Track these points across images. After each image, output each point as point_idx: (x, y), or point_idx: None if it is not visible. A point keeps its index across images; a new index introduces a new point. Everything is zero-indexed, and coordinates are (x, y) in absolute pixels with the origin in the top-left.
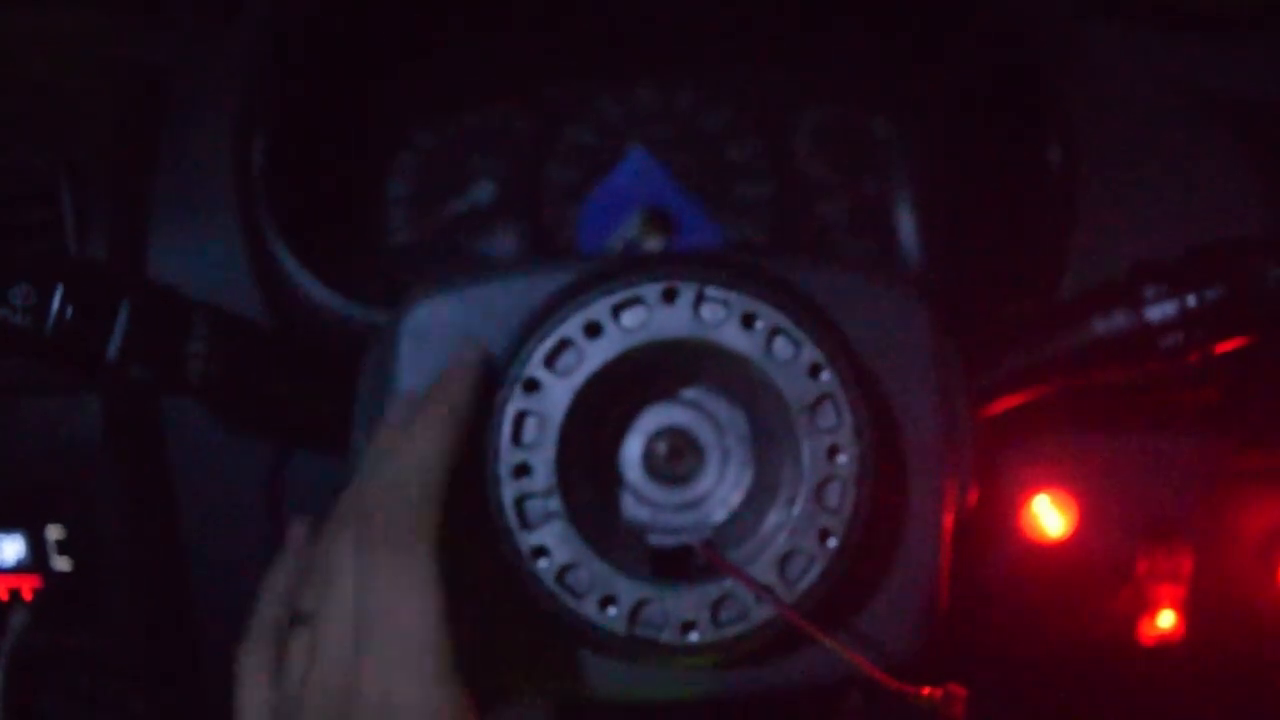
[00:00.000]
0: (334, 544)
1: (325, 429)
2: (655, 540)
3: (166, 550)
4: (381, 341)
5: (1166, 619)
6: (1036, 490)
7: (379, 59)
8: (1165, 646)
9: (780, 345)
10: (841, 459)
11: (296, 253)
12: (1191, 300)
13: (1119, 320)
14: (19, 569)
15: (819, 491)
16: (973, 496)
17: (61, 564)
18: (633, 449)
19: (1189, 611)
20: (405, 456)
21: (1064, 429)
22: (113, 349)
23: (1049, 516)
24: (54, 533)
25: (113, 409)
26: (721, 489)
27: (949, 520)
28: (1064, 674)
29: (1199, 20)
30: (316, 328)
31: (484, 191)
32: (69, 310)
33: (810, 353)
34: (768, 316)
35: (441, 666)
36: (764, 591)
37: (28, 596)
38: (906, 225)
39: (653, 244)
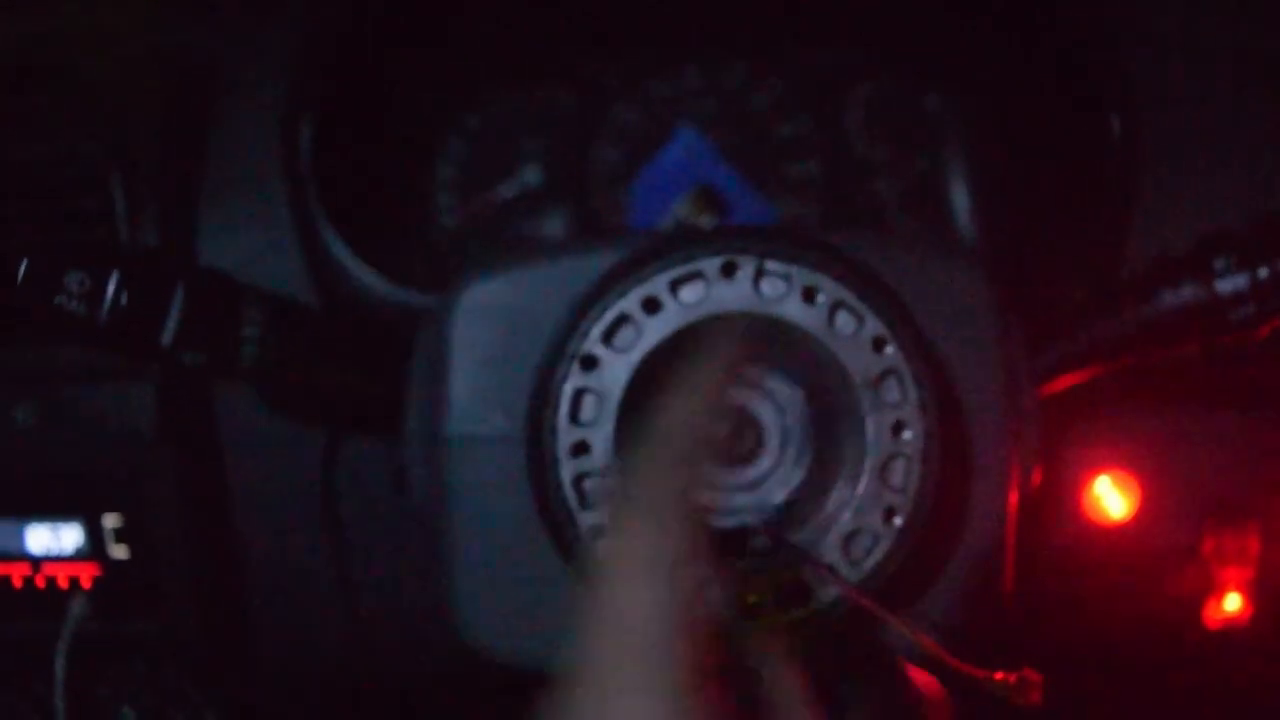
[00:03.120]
0: None
1: (377, 413)
2: (716, 521)
3: (221, 537)
4: (435, 323)
5: (1233, 601)
6: (1098, 471)
7: (425, 42)
8: (1232, 629)
9: (843, 319)
10: (907, 435)
11: (345, 237)
12: (1263, 271)
13: (1188, 293)
14: (77, 557)
15: (884, 469)
16: (1036, 476)
17: (119, 552)
18: None
19: (1256, 594)
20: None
21: (1125, 408)
22: (167, 334)
23: (1111, 498)
24: (111, 521)
25: (167, 397)
26: (782, 469)
27: (1013, 500)
28: (1128, 657)
29: None
30: (366, 312)
31: (532, 174)
32: (124, 297)
33: (874, 326)
34: (830, 290)
35: None
36: (827, 571)
37: (86, 585)
38: (960, 202)
39: (705, 223)
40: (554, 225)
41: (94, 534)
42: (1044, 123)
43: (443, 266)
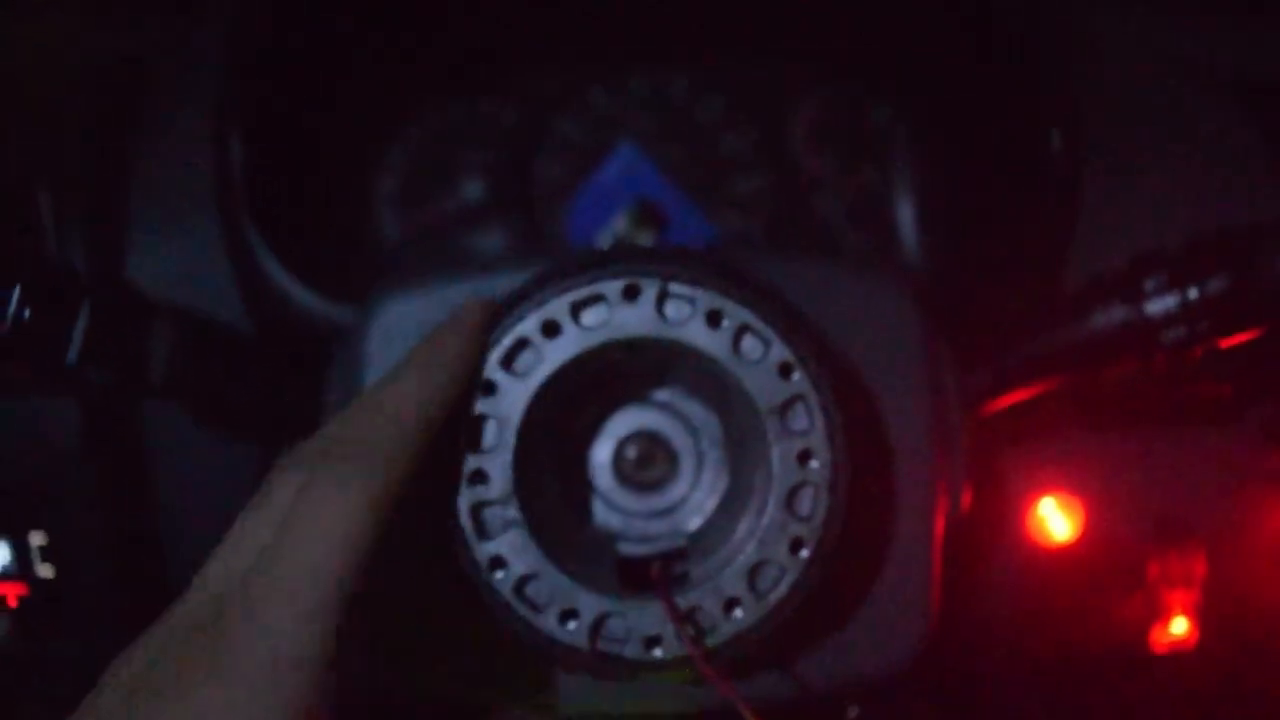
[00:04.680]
0: (286, 467)
1: (301, 429)
2: (625, 550)
3: (149, 554)
4: (349, 340)
5: (1179, 625)
6: (1042, 493)
7: (362, 51)
8: (1178, 654)
9: (748, 344)
10: (814, 464)
11: (278, 253)
12: (1193, 292)
13: (1119, 314)
14: (3, 576)
15: (790, 498)
16: (966, 499)
17: (45, 571)
18: (602, 454)
19: (1203, 617)
20: (385, 396)
21: (1069, 429)
22: (72, 350)
23: (1055, 520)
24: (37, 539)
25: (90, 412)
26: (696, 495)
27: (940, 525)
28: (1074, 682)
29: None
30: (299, 328)
31: (474, 187)
32: (26, 311)
33: (780, 351)
34: (734, 314)
35: (326, 604)
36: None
37: (12, 603)
38: (906, 216)
39: (642, 239)
40: (496, 239)
41: (20, 552)
42: (989, 135)
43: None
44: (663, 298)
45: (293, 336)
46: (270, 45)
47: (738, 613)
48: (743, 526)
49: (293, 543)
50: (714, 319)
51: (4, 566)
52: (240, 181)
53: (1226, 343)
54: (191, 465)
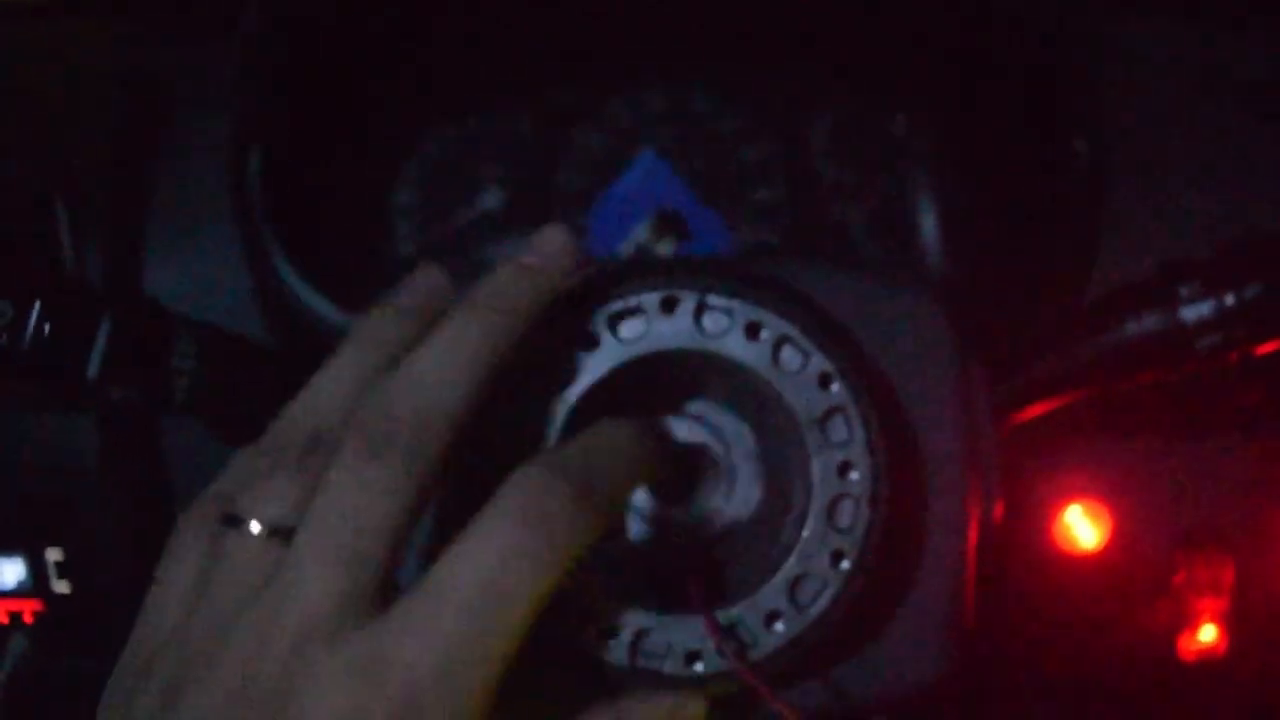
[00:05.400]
0: (341, 448)
1: None
2: (660, 563)
3: None
4: None
5: (1208, 633)
6: (1069, 500)
7: (381, 65)
8: (1207, 661)
9: (787, 355)
10: (854, 475)
11: (297, 266)
12: (1229, 298)
13: (1152, 322)
14: (19, 592)
15: (830, 510)
16: (999, 510)
17: (61, 587)
18: None
19: (1231, 625)
20: (438, 354)
21: (1095, 436)
22: (93, 367)
23: (1082, 527)
24: (53, 555)
25: (108, 428)
26: (730, 508)
27: (973, 535)
28: (1102, 690)
29: (1231, 7)
30: (318, 340)
31: (493, 198)
32: (46, 328)
33: (819, 363)
34: (773, 325)
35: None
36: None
37: (28, 620)
38: (927, 226)
39: (663, 249)
40: (513, 250)
41: (37, 568)
42: (1011, 145)
43: None
44: (701, 310)
45: (311, 348)
46: (288, 61)
47: (779, 625)
48: (782, 539)
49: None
50: (753, 331)
51: (20, 583)
52: (259, 194)
53: (1263, 349)
54: (208, 480)
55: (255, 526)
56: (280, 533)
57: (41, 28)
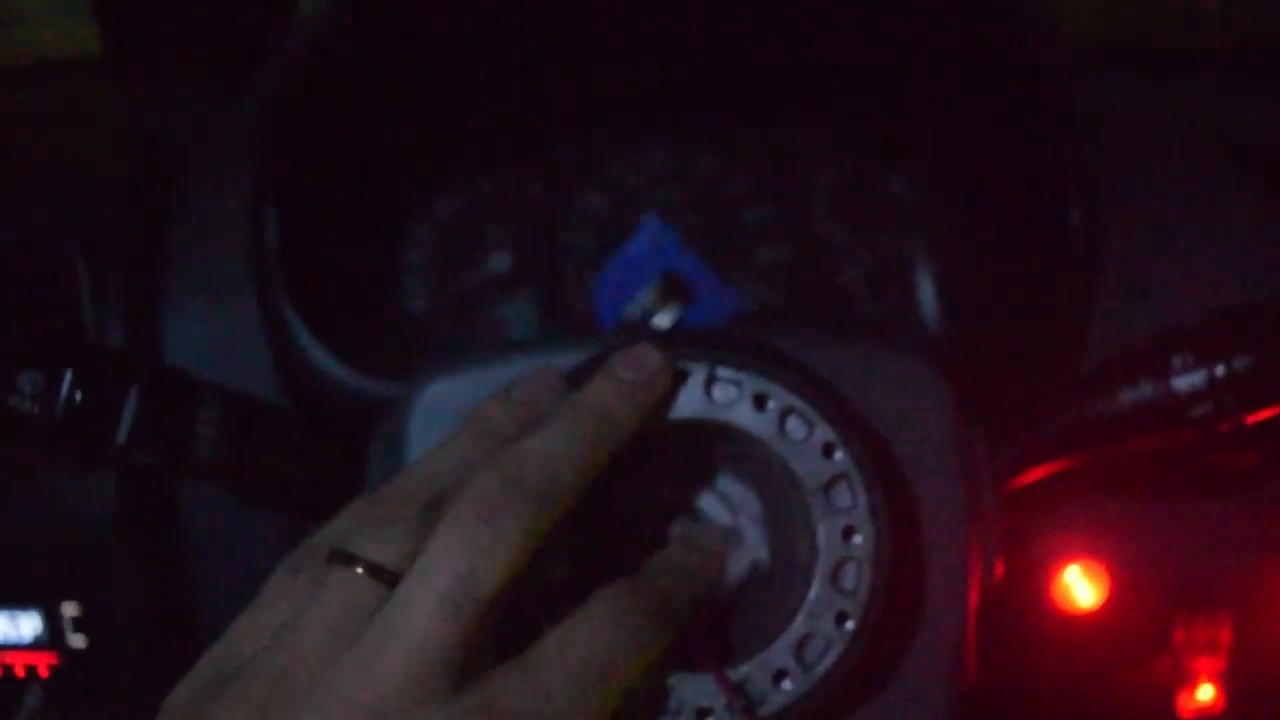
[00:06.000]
0: (458, 507)
1: (339, 504)
2: None
3: (181, 627)
4: (392, 417)
5: (1206, 692)
6: (1068, 561)
7: (393, 127)
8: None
9: (793, 425)
10: (857, 540)
11: (312, 327)
12: (1220, 369)
13: (1146, 391)
14: (35, 646)
15: (835, 573)
16: (999, 571)
17: (77, 641)
18: (646, 529)
19: (1229, 684)
20: (553, 439)
21: (1094, 497)
22: (121, 434)
23: (1080, 587)
24: (70, 610)
25: (127, 487)
26: (735, 570)
27: (974, 596)
28: None
29: (1222, 69)
30: (333, 402)
31: (501, 260)
32: (78, 396)
33: (823, 433)
34: (780, 397)
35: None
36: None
37: (44, 673)
38: (926, 286)
39: (668, 312)
40: (524, 311)
41: (53, 623)
42: (1008, 210)
43: (411, 353)
44: (710, 382)
45: (327, 411)
46: (305, 124)
47: (786, 684)
48: (788, 600)
49: None
50: (760, 402)
51: (36, 636)
52: (275, 258)
53: (1253, 418)
54: (224, 540)
55: (362, 567)
56: (387, 577)
57: (63, 89)
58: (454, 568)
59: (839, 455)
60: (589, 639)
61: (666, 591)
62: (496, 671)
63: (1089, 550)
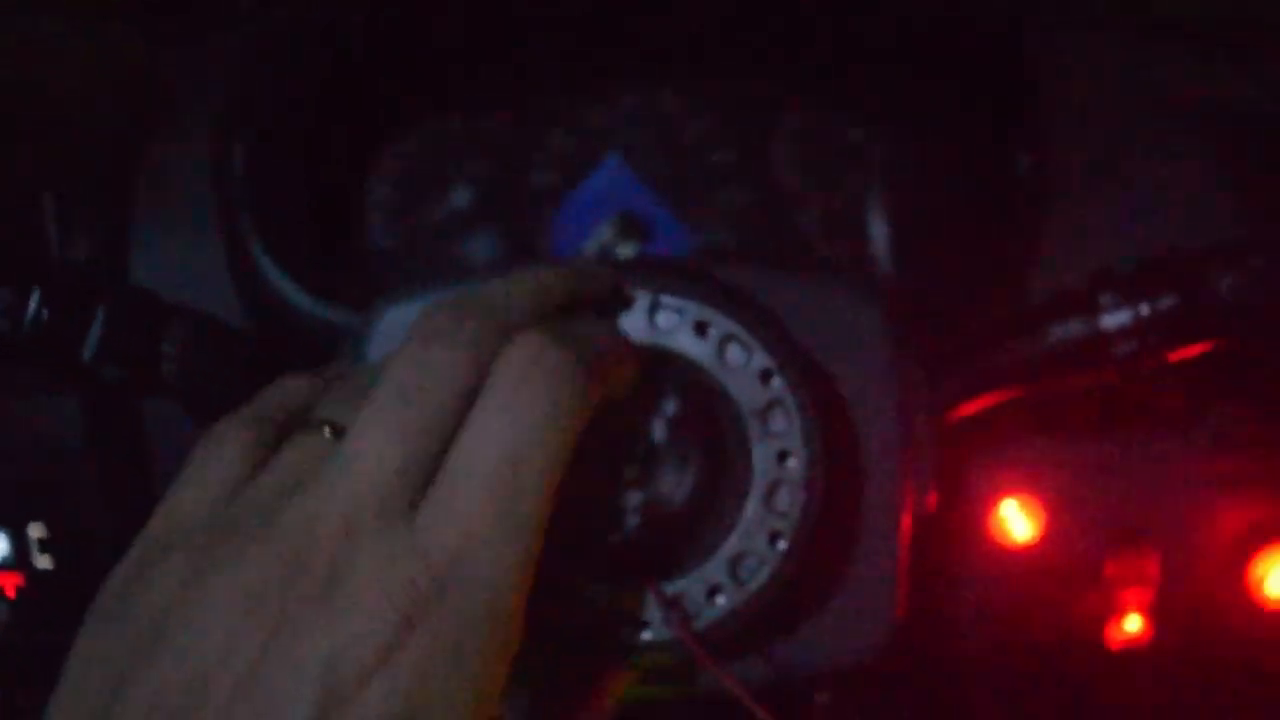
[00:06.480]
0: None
1: None
2: (615, 540)
3: None
4: (351, 343)
5: (1134, 623)
6: (1004, 495)
7: (361, 65)
8: (1133, 650)
9: (732, 352)
10: (791, 463)
11: (276, 257)
12: (1145, 309)
13: (1075, 327)
14: (2, 567)
15: (769, 495)
16: (932, 499)
17: (43, 562)
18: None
19: (1156, 616)
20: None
21: (1032, 434)
22: (88, 350)
23: (1017, 521)
24: (36, 531)
25: (92, 408)
26: (680, 491)
27: (907, 521)
28: (1032, 676)
29: (1173, 29)
30: (295, 330)
31: (462, 196)
32: (45, 313)
33: (761, 359)
34: (720, 324)
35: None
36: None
37: (10, 594)
38: (879, 231)
39: (625, 249)
40: (484, 247)
41: (19, 544)
42: (959, 157)
43: (374, 285)
44: (654, 308)
45: (288, 337)
46: (274, 60)
47: (720, 599)
48: (725, 520)
49: None
50: (701, 329)
51: (3, 558)
52: (240, 186)
53: (1174, 356)
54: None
55: (324, 429)
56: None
57: (37, 24)
58: (404, 391)
59: (775, 381)
60: (501, 427)
61: (582, 344)
62: (425, 500)
63: (1026, 486)
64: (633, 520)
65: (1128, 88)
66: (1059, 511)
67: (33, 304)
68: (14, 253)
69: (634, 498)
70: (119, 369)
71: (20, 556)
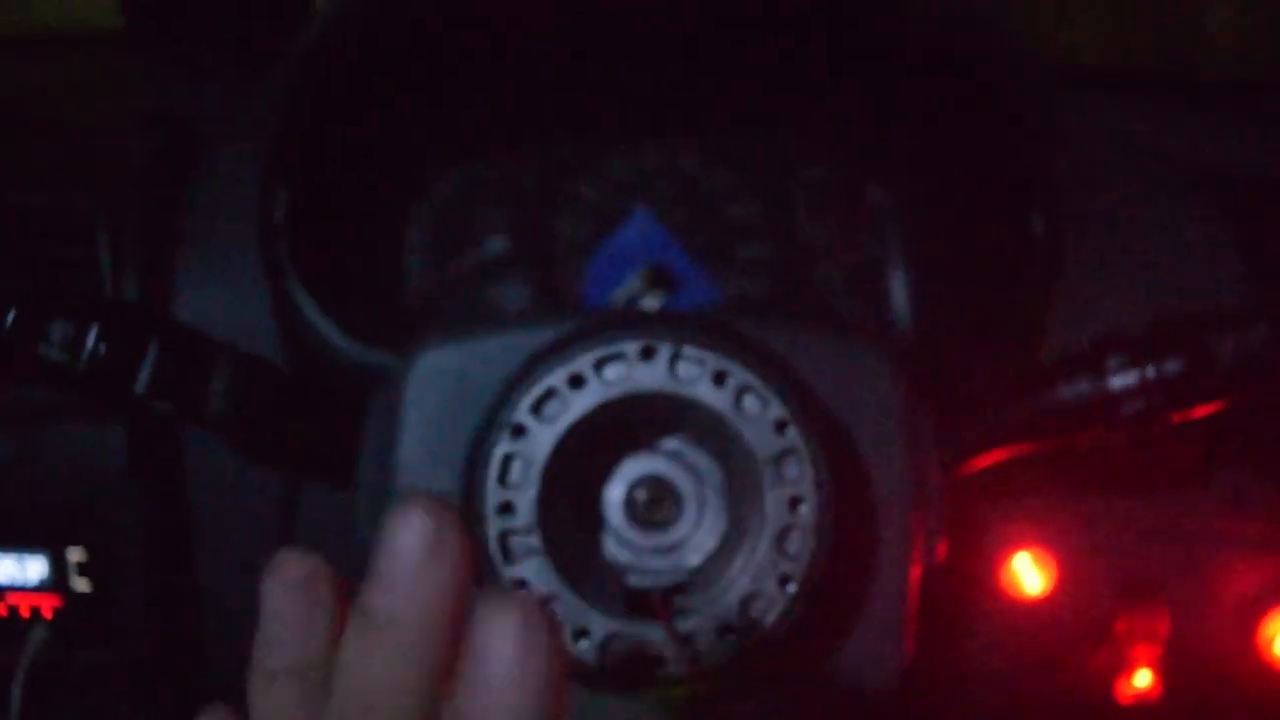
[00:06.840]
0: None
1: (335, 465)
2: (633, 581)
3: (182, 575)
4: (389, 385)
5: (1143, 678)
6: (1017, 548)
7: (400, 114)
8: (1142, 705)
9: (749, 401)
10: (803, 509)
11: (315, 298)
12: (1151, 371)
13: (1083, 387)
14: (41, 588)
15: (780, 539)
16: (941, 550)
17: (81, 585)
18: (615, 494)
19: (1166, 671)
20: None
21: (1045, 488)
22: (140, 384)
23: (1029, 574)
24: (75, 555)
25: (136, 439)
26: (698, 535)
27: (915, 573)
28: None
29: (1183, 93)
30: (332, 369)
31: (497, 243)
32: (102, 347)
33: (776, 409)
34: (738, 374)
35: None
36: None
37: (48, 615)
38: (898, 288)
39: (652, 300)
40: (517, 293)
41: (58, 566)
42: (976, 217)
43: (409, 328)
44: (675, 358)
45: (328, 379)
46: (315, 108)
47: (731, 638)
48: (738, 563)
49: None
50: (719, 379)
51: (42, 579)
52: (283, 234)
53: (1179, 417)
54: (226, 493)
55: None
56: None
57: (84, 64)
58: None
59: (790, 431)
60: None
61: None
62: None
63: (1039, 539)
64: (649, 564)
65: (1140, 151)
66: (1071, 565)
67: (90, 338)
68: (73, 288)
69: (651, 542)
70: (169, 403)
71: (59, 579)
